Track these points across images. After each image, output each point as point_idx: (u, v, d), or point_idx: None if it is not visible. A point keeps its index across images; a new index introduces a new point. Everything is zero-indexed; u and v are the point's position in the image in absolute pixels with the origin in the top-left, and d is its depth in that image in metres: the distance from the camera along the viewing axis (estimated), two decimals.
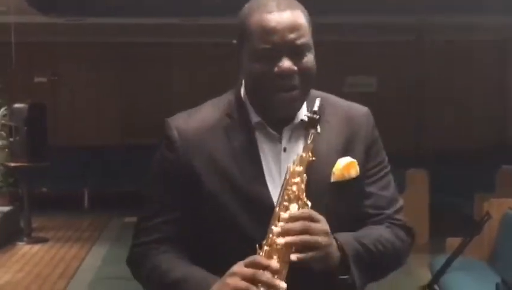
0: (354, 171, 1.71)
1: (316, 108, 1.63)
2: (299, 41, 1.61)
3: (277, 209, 1.57)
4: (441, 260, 5.05)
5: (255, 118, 1.69)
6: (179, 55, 11.69)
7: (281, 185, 1.60)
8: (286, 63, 1.60)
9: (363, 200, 1.75)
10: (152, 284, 1.73)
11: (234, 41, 1.71)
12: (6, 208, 8.50)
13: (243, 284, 1.48)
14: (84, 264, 7.31)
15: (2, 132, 8.71)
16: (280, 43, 1.60)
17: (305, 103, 1.70)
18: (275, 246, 1.54)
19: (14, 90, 9.50)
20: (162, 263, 1.68)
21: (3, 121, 8.73)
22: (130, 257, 1.80)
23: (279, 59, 1.60)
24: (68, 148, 10.91)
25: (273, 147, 1.68)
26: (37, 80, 11.44)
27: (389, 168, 1.81)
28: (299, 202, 1.58)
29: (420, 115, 11.34)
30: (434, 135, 11.07)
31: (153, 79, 11.70)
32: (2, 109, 8.80)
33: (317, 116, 1.62)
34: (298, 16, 1.63)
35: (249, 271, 1.49)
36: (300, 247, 1.53)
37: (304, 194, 1.59)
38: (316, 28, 1.71)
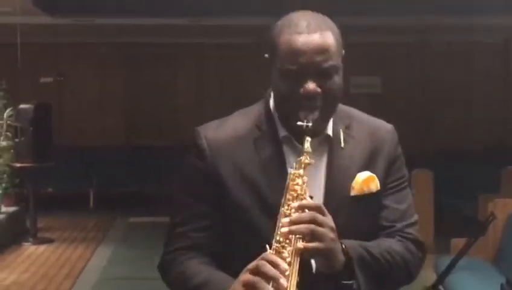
0: (374, 185, 1.75)
1: (307, 123, 1.65)
2: (325, 64, 1.64)
3: (282, 208, 1.60)
4: (445, 260, 5.04)
5: (282, 132, 1.74)
6: (184, 56, 11.71)
7: (284, 189, 1.62)
8: (311, 86, 1.64)
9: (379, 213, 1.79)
10: (178, 289, 1.77)
11: (266, 55, 1.74)
12: (12, 209, 8.52)
13: (253, 278, 1.51)
14: (90, 265, 7.33)
15: (8, 133, 8.73)
16: (306, 65, 1.63)
17: (331, 118, 1.75)
18: (283, 241, 1.56)
19: (20, 91, 9.53)
20: (187, 269, 1.73)
21: (9, 122, 8.75)
22: (160, 263, 1.85)
23: (305, 80, 1.64)
24: (73, 148, 10.94)
25: (297, 159, 1.69)
26: (42, 80, 11.48)
27: (407, 184, 1.84)
28: (302, 200, 1.61)
29: (424, 116, 11.34)
30: (437, 135, 11.07)
31: (158, 80, 11.72)
32: (8, 110, 8.82)
33: (309, 125, 1.64)
34: (327, 38, 1.66)
35: (252, 280, 1.51)
36: (306, 236, 1.55)
37: (307, 193, 1.61)
38: None
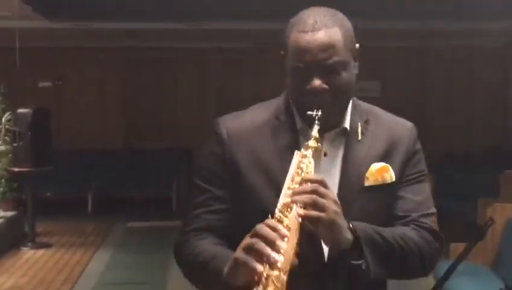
0: (388, 176, 1.78)
1: (317, 112, 1.69)
2: (330, 61, 1.69)
3: (287, 182, 1.64)
4: (444, 265, 5.03)
5: (299, 123, 1.79)
6: (184, 60, 11.71)
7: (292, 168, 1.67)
8: (316, 82, 1.69)
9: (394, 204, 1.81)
10: (188, 268, 1.81)
11: (282, 52, 1.80)
12: (10, 213, 8.51)
13: (252, 240, 1.53)
14: (88, 270, 7.32)
15: (6, 137, 8.72)
16: (311, 63, 1.69)
17: (349, 112, 1.81)
18: (284, 210, 1.59)
19: (19, 95, 9.52)
20: (196, 247, 1.77)
21: (7, 126, 8.74)
22: (175, 244, 1.87)
23: (311, 77, 1.70)
24: (72, 152, 10.94)
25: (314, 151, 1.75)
26: (41, 84, 11.47)
27: (426, 178, 1.87)
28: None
29: (423, 120, 11.34)
30: (436, 140, 11.07)
31: (158, 83, 11.72)
32: (6, 114, 8.81)
33: (318, 114, 1.69)
34: (333, 35, 1.70)
35: (250, 242, 1.54)
36: (308, 206, 1.58)
37: (312, 171, 1.66)
38: None
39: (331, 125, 1.78)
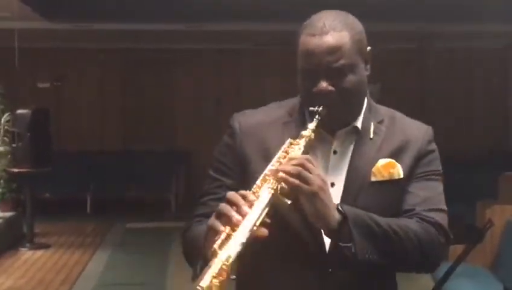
0: (396, 172, 1.78)
1: (318, 108, 1.73)
2: (336, 64, 1.71)
3: (272, 162, 1.66)
4: (443, 267, 5.02)
5: (310, 120, 1.79)
6: (183, 61, 11.71)
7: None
8: (322, 85, 1.72)
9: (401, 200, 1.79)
10: (184, 250, 1.85)
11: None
12: (9, 214, 8.51)
13: (211, 221, 1.57)
14: (87, 270, 7.32)
15: (5, 138, 8.72)
16: (317, 65, 1.72)
17: (363, 113, 1.83)
18: (262, 184, 1.61)
19: (18, 96, 9.52)
20: (195, 231, 1.79)
21: (6, 127, 8.74)
22: (182, 231, 1.90)
23: (318, 80, 1.73)
24: (71, 153, 10.94)
25: (324, 148, 1.80)
26: (40, 85, 11.47)
27: (439, 178, 1.85)
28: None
29: (423, 121, 11.33)
30: (437, 141, 11.07)
31: (157, 85, 11.72)
32: (5, 115, 8.81)
33: (318, 110, 1.72)
34: (340, 38, 1.72)
35: (228, 196, 1.58)
36: (292, 177, 1.59)
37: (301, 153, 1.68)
38: None
39: (342, 124, 1.80)
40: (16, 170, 8.31)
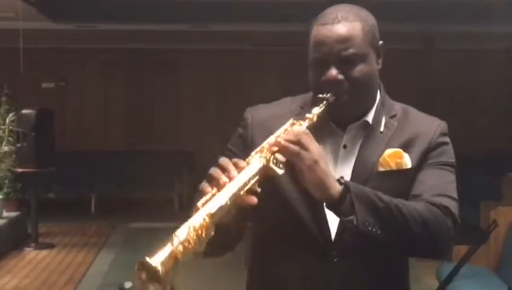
0: (403, 162, 1.76)
1: (326, 95, 1.72)
2: (346, 52, 1.72)
3: (270, 138, 1.65)
4: (447, 267, 5.03)
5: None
6: (187, 62, 11.73)
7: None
8: (332, 73, 1.73)
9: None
10: None
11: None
12: (13, 214, 8.52)
13: (201, 184, 1.58)
14: (91, 270, 7.33)
15: (10, 138, 8.73)
16: (327, 54, 1.73)
17: (374, 107, 1.82)
18: (255, 153, 1.61)
19: (22, 96, 9.54)
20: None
21: (10, 127, 8.75)
22: None
23: (327, 68, 1.73)
24: (75, 153, 10.95)
25: (333, 142, 1.79)
26: (44, 85, 11.49)
27: (450, 169, 1.81)
28: None
29: None
30: None
31: (161, 85, 11.73)
32: (10, 115, 8.81)
33: (325, 96, 1.72)
34: (352, 28, 1.74)
35: (220, 161, 1.59)
36: (292, 144, 1.60)
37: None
38: None
39: (349, 115, 1.79)
40: (20, 170, 8.32)
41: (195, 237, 1.42)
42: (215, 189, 1.53)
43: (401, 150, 1.77)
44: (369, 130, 1.80)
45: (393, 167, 1.75)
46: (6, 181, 8.60)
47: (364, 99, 1.80)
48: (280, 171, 1.59)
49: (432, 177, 1.76)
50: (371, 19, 1.80)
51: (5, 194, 8.51)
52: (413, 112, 1.89)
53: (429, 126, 1.84)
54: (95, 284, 6.84)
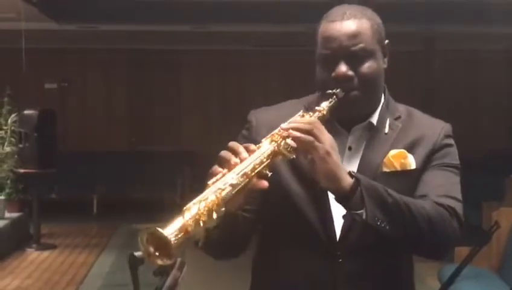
0: (408, 163, 1.76)
1: (336, 90, 1.71)
2: (355, 48, 1.72)
3: (281, 126, 1.62)
4: (449, 269, 5.02)
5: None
6: (189, 62, 11.73)
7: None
8: (342, 68, 1.72)
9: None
10: None
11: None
12: (15, 215, 8.52)
13: (213, 167, 1.56)
14: (93, 271, 7.33)
15: (12, 139, 8.74)
16: (337, 49, 1.73)
17: (379, 109, 1.82)
18: (265, 139, 1.60)
19: (24, 97, 9.55)
20: None
21: (13, 128, 8.75)
22: None
23: (337, 64, 1.72)
24: (77, 154, 10.95)
25: (339, 143, 1.72)
26: (47, 86, 11.50)
27: (454, 171, 1.81)
28: None
29: None
30: None
31: (163, 86, 11.74)
32: (12, 115, 8.83)
33: (335, 91, 1.70)
34: (360, 24, 1.74)
35: (230, 144, 1.59)
36: (304, 133, 1.58)
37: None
38: None
39: (357, 113, 1.78)
40: (22, 171, 8.33)
41: (205, 212, 1.41)
42: (225, 170, 1.52)
43: (405, 151, 1.76)
44: (373, 132, 1.79)
45: (398, 167, 1.75)
46: (8, 182, 8.61)
47: (372, 97, 1.80)
48: (291, 156, 1.58)
49: (437, 178, 1.77)
50: (377, 18, 1.80)
51: (7, 195, 8.52)
52: (417, 114, 1.89)
53: (434, 128, 1.84)
54: (96, 284, 6.84)
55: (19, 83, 9.59)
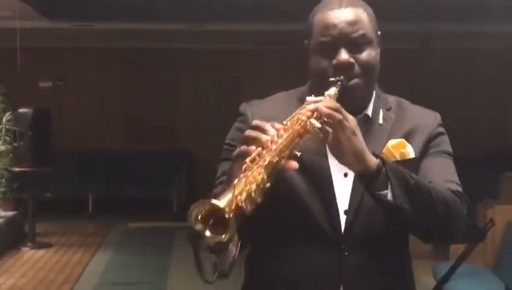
0: (406, 152, 1.76)
1: (339, 78, 1.69)
2: (356, 34, 1.72)
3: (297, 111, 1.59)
4: (444, 267, 5.03)
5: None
6: (185, 61, 11.71)
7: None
8: (343, 56, 1.71)
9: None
10: None
11: (306, 41, 1.81)
12: (10, 213, 8.51)
13: (243, 147, 1.52)
14: (88, 270, 7.32)
15: (7, 137, 8.72)
16: (338, 36, 1.72)
17: (372, 100, 1.81)
18: (289, 120, 1.55)
19: (19, 95, 9.53)
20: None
21: (7, 126, 8.74)
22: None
23: (337, 52, 1.71)
24: (72, 153, 10.93)
25: None
26: (41, 84, 11.47)
27: (451, 158, 1.84)
28: None
29: None
30: None
31: (159, 85, 11.72)
32: (7, 114, 8.81)
33: (339, 78, 1.68)
34: (359, 13, 1.75)
35: (256, 122, 1.56)
36: (331, 110, 1.54)
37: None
38: None
39: (355, 108, 1.75)
40: (17, 169, 8.32)
41: (255, 186, 1.39)
42: (259, 148, 1.48)
43: (404, 140, 1.77)
44: (369, 124, 1.79)
45: (398, 157, 1.74)
46: (3, 180, 8.60)
47: (371, 86, 1.80)
48: (319, 134, 1.53)
49: (438, 164, 1.79)
50: (370, 10, 1.80)
51: (2, 194, 8.51)
52: (407, 104, 1.90)
53: (426, 118, 1.86)
54: (92, 283, 6.84)
55: (14, 82, 9.56)
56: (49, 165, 8.29)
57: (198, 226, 1.37)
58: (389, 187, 1.59)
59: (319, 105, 1.55)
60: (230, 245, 1.45)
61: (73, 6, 8.77)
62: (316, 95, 1.66)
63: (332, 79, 1.69)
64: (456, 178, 1.79)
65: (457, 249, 5.33)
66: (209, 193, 1.79)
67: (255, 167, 1.43)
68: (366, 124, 1.79)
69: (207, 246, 1.40)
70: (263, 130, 1.52)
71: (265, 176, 1.42)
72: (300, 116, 1.54)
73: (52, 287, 6.67)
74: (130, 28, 9.77)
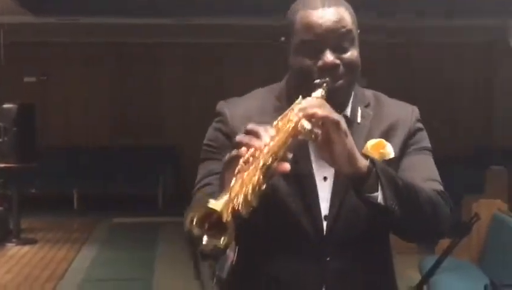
0: (386, 152, 1.73)
1: (324, 79, 1.67)
2: (340, 34, 1.70)
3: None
4: (430, 261, 5.06)
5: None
6: (171, 56, 11.68)
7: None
8: (329, 57, 1.68)
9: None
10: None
11: (282, 38, 1.78)
12: None
13: (232, 152, 1.50)
14: (73, 266, 7.29)
15: None
16: (323, 35, 1.69)
17: (351, 99, 1.79)
18: (280, 120, 1.53)
19: (3, 91, 9.46)
20: (206, 190, 1.73)
21: None
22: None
23: (322, 52, 1.69)
24: (58, 149, 10.88)
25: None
26: (26, 80, 11.40)
27: (430, 154, 1.84)
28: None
29: None
30: None
31: (145, 80, 11.68)
32: None
33: (324, 80, 1.66)
34: (342, 12, 1.72)
35: (239, 138, 1.52)
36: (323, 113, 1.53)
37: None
38: None
39: (340, 103, 1.73)
40: (2, 165, 8.26)
41: (250, 189, 1.37)
42: (252, 150, 1.45)
43: (383, 140, 1.74)
44: (347, 124, 1.72)
45: (378, 157, 1.71)
46: None
47: (354, 85, 1.79)
48: (310, 135, 1.50)
49: (419, 162, 1.78)
50: (351, 9, 1.78)
51: None
52: (384, 98, 1.88)
53: (405, 113, 1.84)
54: (77, 279, 6.81)
55: None
56: (34, 161, 8.24)
57: (196, 231, 1.35)
58: (380, 189, 1.57)
59: (315, 110, 1.52)
60: (228, 250, 1.43)
61: (58, 1, 8.72)
62: (303, 96, 1.63)
63: (318, 81, 1.67)
64: (437, 176, 1.78)
65: (442, 243, 5.36)
66: (193, 191, 1.79)
67: (250, 168, 1.41)
68: (348, 124, 1.74)
69: (204, 251, 1.37)
70: (256, 135, 1.49)
71: (261, 178, 1.40)
72: (291, 117, 1.52)
73: (37, 283, 6.64)
74: (115, 23, 9.74)
